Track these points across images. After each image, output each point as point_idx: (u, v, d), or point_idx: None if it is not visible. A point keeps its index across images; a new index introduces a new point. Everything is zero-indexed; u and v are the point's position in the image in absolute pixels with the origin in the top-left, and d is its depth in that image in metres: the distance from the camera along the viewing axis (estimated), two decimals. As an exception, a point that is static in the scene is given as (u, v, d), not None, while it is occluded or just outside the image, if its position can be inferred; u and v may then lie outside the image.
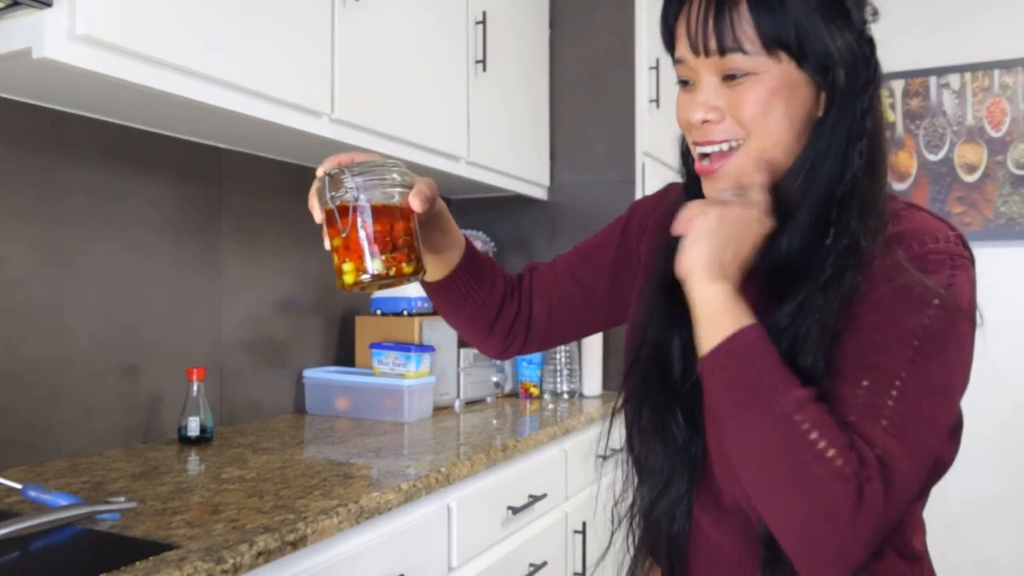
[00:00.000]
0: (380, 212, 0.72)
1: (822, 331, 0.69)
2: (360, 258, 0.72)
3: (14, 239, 1.37)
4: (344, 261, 0.73)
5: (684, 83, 0.78)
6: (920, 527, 0.81)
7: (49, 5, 1.05)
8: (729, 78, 0.73)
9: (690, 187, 0.85)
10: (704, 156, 0.76)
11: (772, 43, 0.71)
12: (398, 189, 0.74)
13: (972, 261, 0.72)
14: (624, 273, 0.97)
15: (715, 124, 0.74)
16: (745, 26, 0.71)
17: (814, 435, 0.63)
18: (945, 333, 0.67)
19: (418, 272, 0.75)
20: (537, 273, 1.01)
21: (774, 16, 0.70)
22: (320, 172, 0.76)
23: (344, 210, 0.72)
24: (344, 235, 0.72)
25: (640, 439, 0.84)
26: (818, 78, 0.73)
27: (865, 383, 0.66)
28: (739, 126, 0.74)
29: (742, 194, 0.73)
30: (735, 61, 0.72)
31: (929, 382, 0.66)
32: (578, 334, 1.04)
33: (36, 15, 1.07)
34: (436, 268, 0.91)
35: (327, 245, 0.75)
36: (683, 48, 0.75)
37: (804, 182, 0.74)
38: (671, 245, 0.79)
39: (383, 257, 0.72)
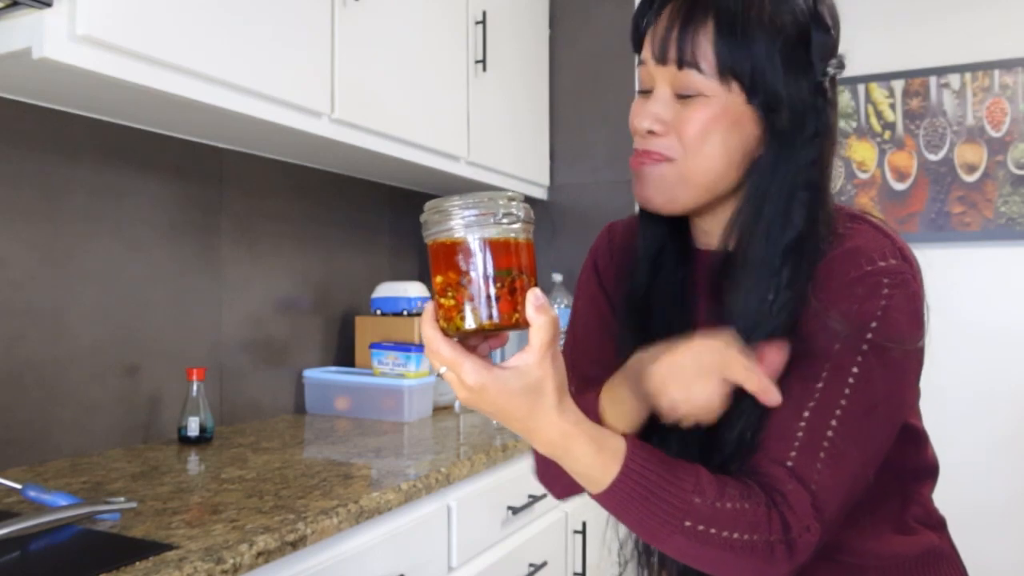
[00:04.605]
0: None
1: None
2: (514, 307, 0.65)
3: (14, 239, 1.37)
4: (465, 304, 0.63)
5: (644, 93, 0.79)
6: (921, 504, 0.84)
7: (49, 5, 1.05)
8: (682, 97, 0.74)
9: None
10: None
11: (726, 70, 0.72)
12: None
13: (914, 273, 0.73)
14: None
15: (659, 137, 0.76)
16: (706, 46, 0.72)
17: (724, 533, 0.66)
18: (879, 365, 0.69)
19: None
20: None
21: (735, 44, 0.71)
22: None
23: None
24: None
25: None
26: (763, 116, 0.74)
27: (805, 416, 0.69)
28: (679, 144, 0.75)
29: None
30: (689, 78, 0.73)
31: (867, 411, 0.69)
32: None
33: (36, 15, 1.07)
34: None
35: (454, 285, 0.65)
36: (647, 51, 0.77)
37: (749, 226, 0.75)
38: (634, 275, 0.83)
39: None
